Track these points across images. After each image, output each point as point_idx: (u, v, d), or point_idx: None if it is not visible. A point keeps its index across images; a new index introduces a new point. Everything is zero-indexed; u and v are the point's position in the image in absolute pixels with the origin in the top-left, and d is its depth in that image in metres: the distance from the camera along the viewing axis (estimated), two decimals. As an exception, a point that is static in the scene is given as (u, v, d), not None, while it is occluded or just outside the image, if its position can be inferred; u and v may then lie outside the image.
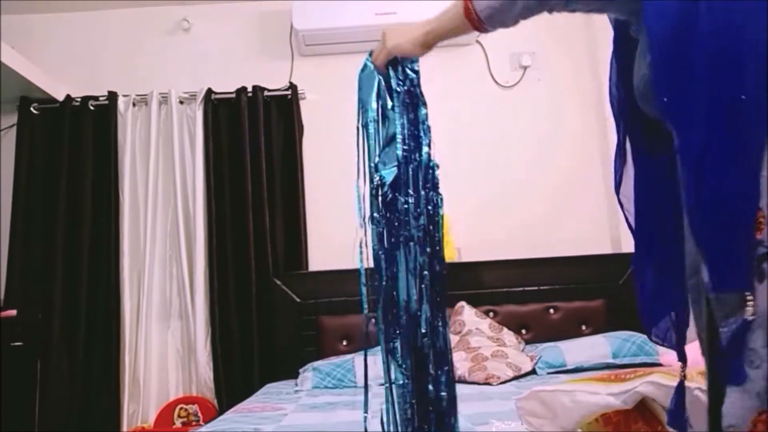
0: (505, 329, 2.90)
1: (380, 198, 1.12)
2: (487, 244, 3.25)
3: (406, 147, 1.10)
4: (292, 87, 3.39)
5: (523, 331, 3.01)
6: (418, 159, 1.12)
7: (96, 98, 3.36)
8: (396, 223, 1.10)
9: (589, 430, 1.25)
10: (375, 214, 1.13)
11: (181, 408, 3.09)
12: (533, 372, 2.64)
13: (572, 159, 3.42)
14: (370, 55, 1.17)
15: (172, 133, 3.32)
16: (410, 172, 1.11)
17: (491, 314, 3.03)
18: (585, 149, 3.44)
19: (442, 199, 1.14)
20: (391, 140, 1.12)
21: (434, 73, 3.50)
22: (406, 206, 1.09)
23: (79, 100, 3.34)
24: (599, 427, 1.25)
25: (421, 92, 1.15)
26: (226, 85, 3.37)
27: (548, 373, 2.60)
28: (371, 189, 1.14)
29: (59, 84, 3.38)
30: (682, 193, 0.82)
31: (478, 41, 3.51)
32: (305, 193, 3.32)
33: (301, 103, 3.41)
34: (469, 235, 3.30)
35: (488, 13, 0.98)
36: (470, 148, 3.43)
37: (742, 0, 0.76)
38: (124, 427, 3.03)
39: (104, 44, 3.54)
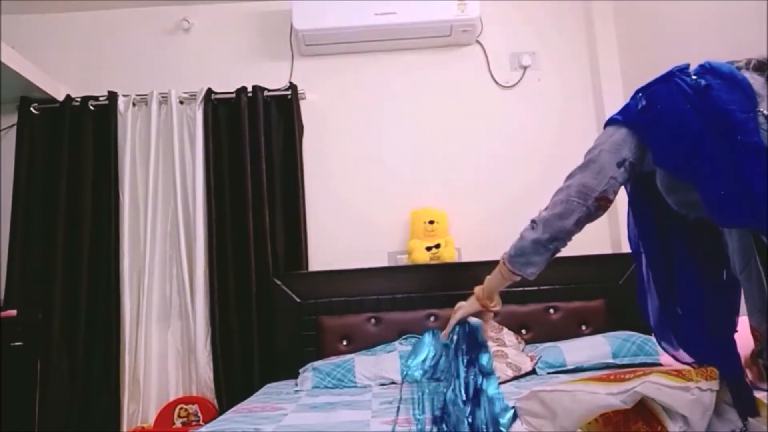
0: (505, 329, 2.90)
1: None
2: (487, 244, 3.24)
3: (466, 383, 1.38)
4: (292, 87, 3.40)
5: (523, 331, 3.01)
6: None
7: (96, 98, 3.36)
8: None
9: (589, 430, 1.25)
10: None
11: (181, 408, 3.09)
12: (533, 372, 2.64)
13: (572, 159, 3.40)
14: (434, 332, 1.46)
15: (172, 133, 3.32)
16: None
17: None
18: (585, 149, 3.40)
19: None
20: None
21: (434, 73, 3.51)
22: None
23: (79, 100, 3.35)
24: (599, 427, 1.25)
25: (485, 342, 1.43)
26: (226, 85, 3.37)
27: (548, 373, 2.60)
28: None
29: (59, 84, 3.38)
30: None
31: (478, 41, 3.51)
32: (305, 193, 3.32)
33: (301, 103, 3.42)
34: (469, 235, 3.30)
35: (518, 267, 1.39)
36: (470, 147, 3.43)
37: (726, 92, 1.18)
38: (124, 427, 3.03)
39: (104, 44, 3.55)
